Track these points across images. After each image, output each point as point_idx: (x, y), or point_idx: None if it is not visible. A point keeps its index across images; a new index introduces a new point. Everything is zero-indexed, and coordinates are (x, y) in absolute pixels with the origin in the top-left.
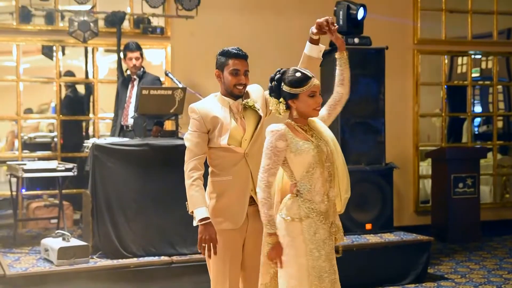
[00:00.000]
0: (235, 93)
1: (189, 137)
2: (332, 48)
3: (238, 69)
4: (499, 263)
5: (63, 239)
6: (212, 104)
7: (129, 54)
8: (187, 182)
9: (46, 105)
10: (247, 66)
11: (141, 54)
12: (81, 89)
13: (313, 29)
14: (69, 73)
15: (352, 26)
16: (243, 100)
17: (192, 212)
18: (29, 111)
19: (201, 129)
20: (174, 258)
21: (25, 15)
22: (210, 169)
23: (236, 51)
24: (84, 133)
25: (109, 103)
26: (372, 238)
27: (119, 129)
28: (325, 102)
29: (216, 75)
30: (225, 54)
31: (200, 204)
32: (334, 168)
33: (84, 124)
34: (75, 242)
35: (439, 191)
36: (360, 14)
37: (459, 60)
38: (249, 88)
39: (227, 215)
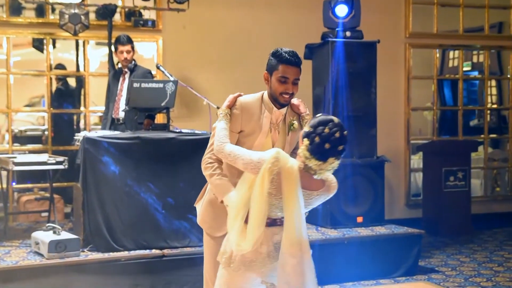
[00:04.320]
0: (280, 101)
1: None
2: (324, 41)
3: (287, 77)
4: (489, 256)
5: (54, 232)
6: (256, 105)
7: (120, 48)
8: (207, 172)
9: (38, 98)
10: (298, 74)
11: (132, 47)
12: (72, 82)
13: None
14: (60, 66)
15: (346, 24)
16: (288, 115)
17: (222, 201)
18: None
19: (234, 128)
20: (166, 251)
21: (15, 8)
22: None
23: (288, 57)
24: (75, 126)
25: (100, 96)
26: (363, 231)
27: (110, 122)
28: (318, 95)
29: (264, 77)
30: (277, 57)
31: (227, 191)
32: None
33: (75, 117)
34: (65, 235)
35: (430, 185)
36: (339, 11)
37: (451, 54)
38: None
39: (218, 221)
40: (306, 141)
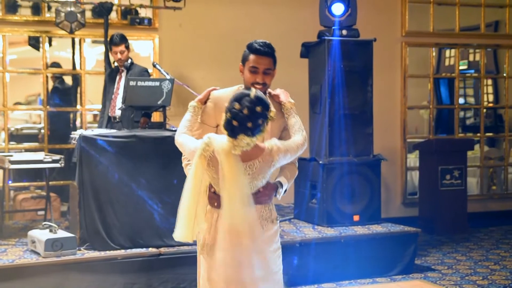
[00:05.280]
0: None
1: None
2: (320, 40)
3: (256, 67)
4: (485, 254)
5: (50, 230)
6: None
7: (114, 48)
8: (183, 164)
9: (34, 96)
10: (269, 64)
11: (127, 47)
12: (68, 80)
13: None
14: (56, 65)
15: (341, 22)
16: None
17: None
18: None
19: (209, 122)
20: (162, 249)
21: (11, 6)
22: None
23: (258, 47)
24: (71, 125)
25: (96, 95)
26: (360, 230)
27: (107, 121)
28: (314, 94)
29: (240, 69)
30: (249, 47)
31: None
32: None
33: (71, 115)
34: (62, 233)
35: (427, 183)
36: (336, 9)
37: (447, 52)
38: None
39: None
40: (223, 116)
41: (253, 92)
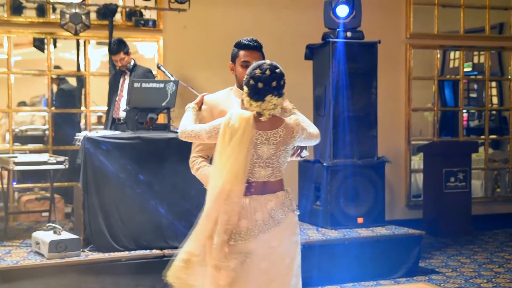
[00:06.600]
0: None
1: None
2: (324, 42)
3: (247, 61)
4: (489, 257)
5: (54, 232)
6: (224, 97)
7: (113, 57)
8: (193, 170)
9: (38, 97)
10: (259, 57)
11: (126, 53)
12: (73, 82)
13: None
14: (57, 68)
15: (346, 24)
16: None
17: None
18: (22, 103)
19: None
20: (166, 251)
21: (16, 7)
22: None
23: (246, 42)
24: (75, 126)
25: (101, 96)
26: (364, 232)
27: (111, 122)
28: (319, 96)
29: (230, 68)
30: (237, 45)
31: None
32: None
33: (76, 116)
34: (66, 235)
35: (431, 185)
36: (340, 11)
37: (452, 54)
38: None
39: None
40: (245, 88)
41: (268, 60)
